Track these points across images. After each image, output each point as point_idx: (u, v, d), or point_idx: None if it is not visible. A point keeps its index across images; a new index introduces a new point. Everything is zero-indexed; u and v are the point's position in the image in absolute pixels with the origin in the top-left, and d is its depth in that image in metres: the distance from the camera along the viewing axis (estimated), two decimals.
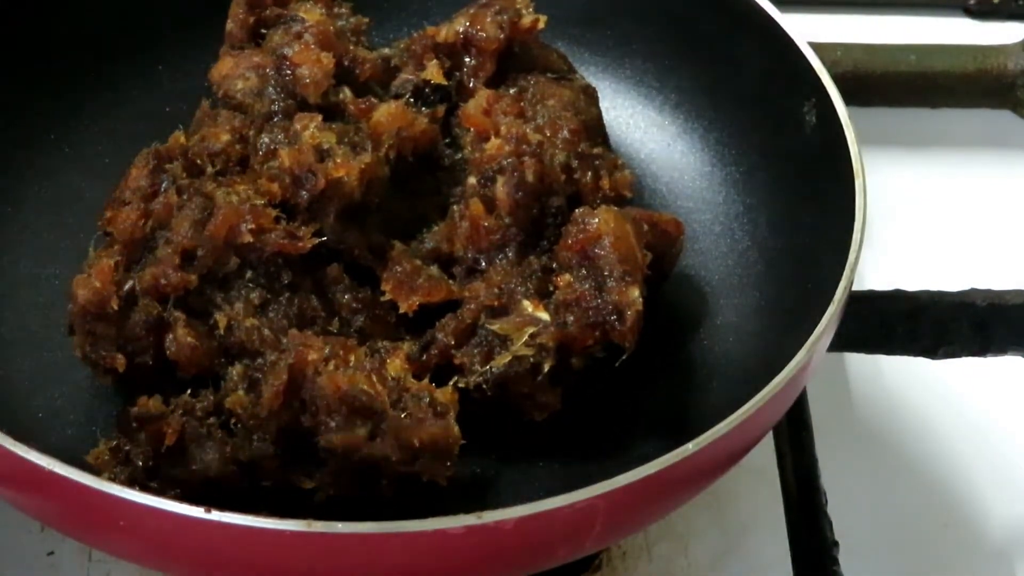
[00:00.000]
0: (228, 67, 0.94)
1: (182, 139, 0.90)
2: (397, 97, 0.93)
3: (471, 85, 0.93)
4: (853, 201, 0.86)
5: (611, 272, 0.85)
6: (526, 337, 0.85)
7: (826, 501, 0.92)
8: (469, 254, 0.88)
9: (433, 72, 0.94)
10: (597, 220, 0.86)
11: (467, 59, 0.94)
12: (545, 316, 0.85)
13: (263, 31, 0.95)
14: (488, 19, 0.94)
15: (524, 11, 0.95)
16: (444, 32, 0.95)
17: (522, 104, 0.92)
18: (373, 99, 0.92)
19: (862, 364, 1.00)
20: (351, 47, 0.94)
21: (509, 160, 0.87)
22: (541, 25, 0.95)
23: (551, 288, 0.86)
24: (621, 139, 0.98)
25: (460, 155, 0.93)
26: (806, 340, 0.80)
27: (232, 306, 0.84)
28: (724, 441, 0.77)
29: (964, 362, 0.99)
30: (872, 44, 1.16)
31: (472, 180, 0.89)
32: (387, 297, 0.87)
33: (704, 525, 0.93)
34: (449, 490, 0.82)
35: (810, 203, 0.92)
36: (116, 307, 0.83)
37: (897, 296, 0.99)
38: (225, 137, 0.91)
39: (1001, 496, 0.99)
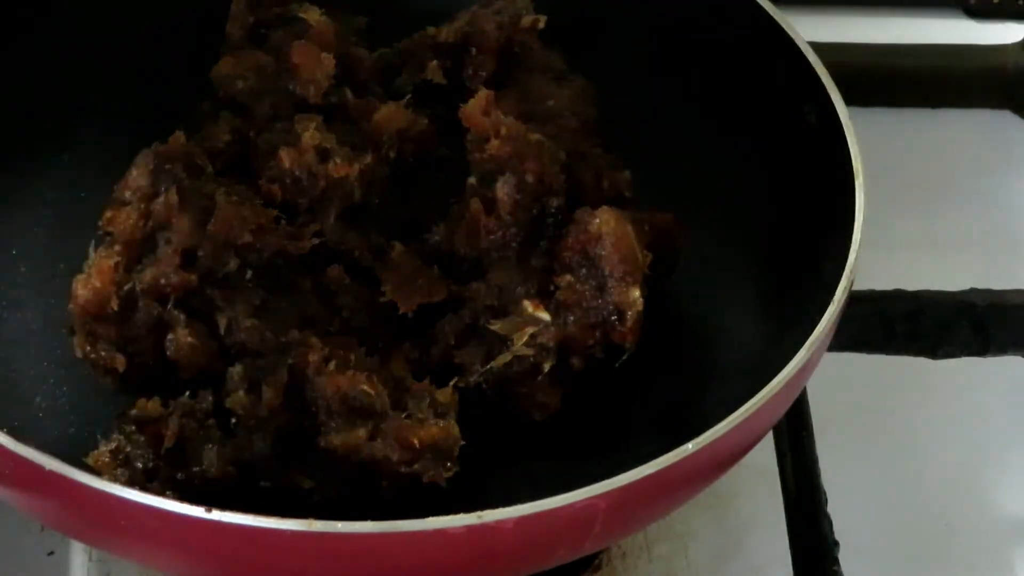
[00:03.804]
0: (228, 67, 0.94)
1: (182, 139, 0.90)
2: (397, 97, 0.93)
3: (471, 85, 0.93)
4: (853, 201, 0.86)
5: (612, 272, 0.85)
6: (526, 337, 0.85)
7: (826, 501, 0.92)
8: (469, 254, 0.88)
9: (433, 72, 0.94)
10: (597, 220, 0.86)
11: (467, 59, 0.95)
12: (545, 316, 0.85)
13: (263, 31, 0.95)
14: (488, 19, 0.94)
15: (524, 11, 0.95)
16: (444, 32, 0.95)
17: (522, 104, 0.92)
18: (373, 99, 0.92)
19: (862, 364, 1.00)
20: (351, 47, 0.94)
21: (509, 160, 0.87)
22: (541, 25, 0.95)
23: (551, 288, 0.86)
24: (621, 139, 0.97)
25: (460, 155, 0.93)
26: (806, 340, 0.80)
27: (232, 306, 0.84)
28: (724, 441, 0.77)
29: (964, 362, 0.99)
30: (872, 44, 1.16)
31: (472, 180, 0.89)
32: (387, 297, 0.87)
33: (704, 525, 0.93)
34: (449, 490, 0.82)
35: (810, 203, 0.92)
36: (116, 307, 0.83)
37: (897, 296, 0.99)
38: (225, 137, 0.91)
39: (1001, 496, 0.99)
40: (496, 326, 0.85)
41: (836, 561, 0.89)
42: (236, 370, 0.83)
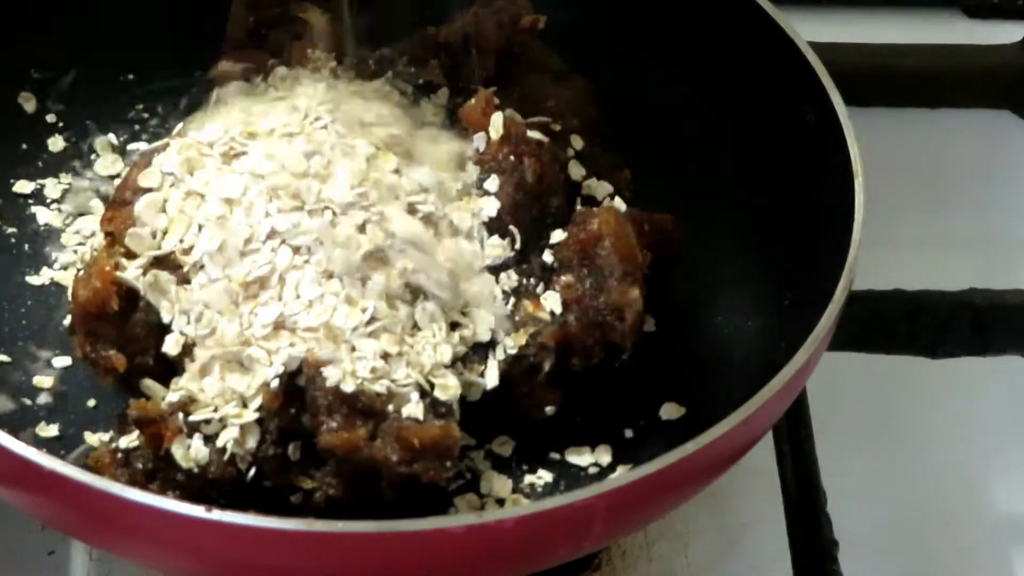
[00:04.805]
0: (229, 67, 0.94)
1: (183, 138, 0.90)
2: None
3: (471, 85, 0.93)
4: (853, 201, 0.86)
5: (611, 272, 0.86)
6: (526, 337, 0.85)
7: (826, 501, 0.92)
8: None
9: (433, 72, 0.94)
10: (597, 220, 0.86)
11: (467, 59, 0.94)
12: (545, 316, 0.85)
13: (263, 31, 0.95)
14: (488, 19, 0.94)
15: (524, 11, 0.95)
16: (444, 32, 0.95)
17: (522, 104, 0.92)
18: None
19: (862, 364, 1.00)
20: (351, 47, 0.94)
21: (509, 160, 0.87)
22: (541, 25, 0.95)
23: (552, 288, 0.86)
24: (621, 139, 0.97)
25: None
26: (806, 340, 0.80)
27: None
28: (724, 441, 0.77)
29: (964, 362, 0.99)
30: (872, 44, 1.16)
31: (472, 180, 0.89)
32: None
33: (704, 524, 0.93)
34: (449, 490, 0.82)
35: (810, 203, 0.92)
36: (116, 307, 0.83)
37: (897, 296, 0.99)
38: None
39: (1001, 496, 0.99)
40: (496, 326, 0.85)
41: (836, 561, 0.89)
42: None
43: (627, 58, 1.02)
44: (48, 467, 0.74)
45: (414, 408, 0.80)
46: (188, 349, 0.82)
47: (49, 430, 0.85)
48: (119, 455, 0.80)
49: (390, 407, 0.80)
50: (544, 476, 0.85)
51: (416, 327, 0.83)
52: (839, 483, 0.93)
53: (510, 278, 0.87)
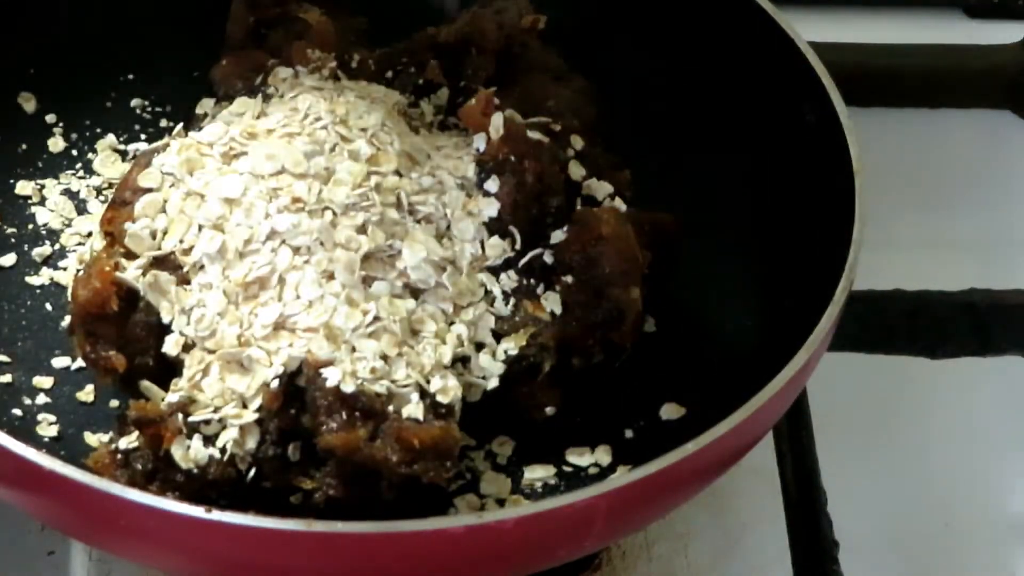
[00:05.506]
0: (228, 67, 0.94)
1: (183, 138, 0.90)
2: None
3: (471, 85, 0.93)
4: (853, 201, 0.86)
5: (611, 272, 0.86)
6: (527, 337, 0.85)
7: (826, 501, 0.92)
8: None
9: (433, 72, 0.94)
10: (597, 220, 0.86)
11: (467, 59, 0.95)
12: (545, 316, 0.85)
13: (263, 31, 0.95)
14: (488, 19, 0.94)
15: (524, 11, 0.95)
16: (444, 32, 0.95)
17: (522, 104, 0.92)
18: None
19: (862, 364, 1.00)
20: (351, 47, 0.94)
21: (509, 160, 0.87)
22: (541, 25, 0.95)
23: (552, 288, 0.86)
24: (621, 139, 0.97)
25: None
26: (806, 340, 0.81)
27: None
28: (724, 441, 0.77)
29: (964, 362, 0.99)
30: (872, 44, 1.16)
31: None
32: None
33: (704, 524, 0.93)
34: (449, 491, 0.82)
35: (810, 203, 0.92)
36: (116, 307, 0.83)
37: (897, 296, 0.99)
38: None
39: (1001, 496, 0.99)
40: (497, 326, 0.85)
41: (836, 561, 0.89)
42: None
43: (627, 58, 1.02)
44: (48, 467, 0.74)
45: (414, 409, 0.80)
46: (188, 349, 0.82)
47: (49, 430, 0.85)
48: (119, 456, 0.80)
49: (390, 407, 0.80)
50: (544, 476, 0.85)
51: (416, 328, 0.83)
52: (839, 483, 0.93)
53: (510, 278, 0.87)
